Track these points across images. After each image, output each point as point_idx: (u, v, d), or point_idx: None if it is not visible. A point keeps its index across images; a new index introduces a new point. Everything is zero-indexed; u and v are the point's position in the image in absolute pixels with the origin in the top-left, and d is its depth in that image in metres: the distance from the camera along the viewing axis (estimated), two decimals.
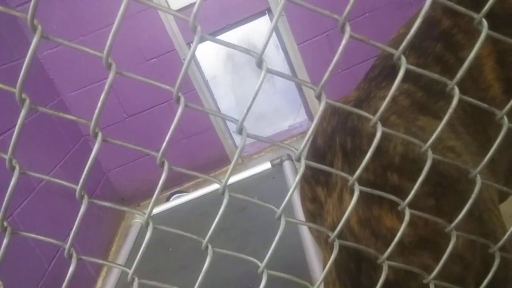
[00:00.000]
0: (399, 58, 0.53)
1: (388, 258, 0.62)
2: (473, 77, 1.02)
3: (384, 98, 0.93)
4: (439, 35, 1.05)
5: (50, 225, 2.44)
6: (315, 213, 0.93)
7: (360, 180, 0.77)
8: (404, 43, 0.51)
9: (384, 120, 0.87)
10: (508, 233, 0.68)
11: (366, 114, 0.53)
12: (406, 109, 0.92)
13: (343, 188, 0.84)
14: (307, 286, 0.62)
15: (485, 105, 0.56)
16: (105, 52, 0.43)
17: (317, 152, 0.93)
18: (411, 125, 0.88)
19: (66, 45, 0.49)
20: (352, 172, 0.79)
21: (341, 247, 0.79)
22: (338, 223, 0.78)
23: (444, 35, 1.05)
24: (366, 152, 0.82)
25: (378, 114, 0.53)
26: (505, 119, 0.56)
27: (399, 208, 0.63)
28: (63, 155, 2.88)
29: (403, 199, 0.63)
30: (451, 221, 0.64)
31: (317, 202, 0.91)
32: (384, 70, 1.03)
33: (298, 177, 0.50)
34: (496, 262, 0.69)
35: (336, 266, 0.82)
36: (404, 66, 0.52)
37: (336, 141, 0.88)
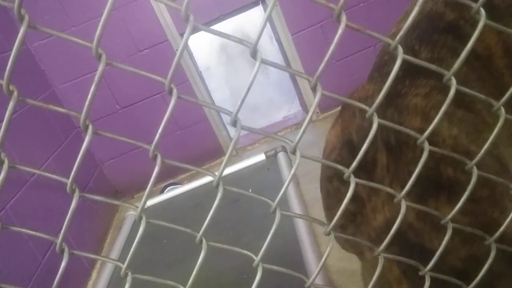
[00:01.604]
0: (395, 49, 0.52)
1: (452, 249, 0.63)
2: (488, 67, 1.02)
3: (418, 95, 0.93)
4: (447, 28, 1.05)
5: (44, 217, 2.42)
6: (356, 212, 0.91)
7: (410, 174, 0.77)
8: (401, 33, 0.50)
9: (425, 117, 0.87)
10: None
11: (363, 106, 0.52)
12: (441, 103, 0.93)
13: (393, 182, 0.84)
14: (302, 279, 0.62)
15: (482, 96, 0.55)
16: (94, 42, 0.42)
17: (356, 150, 0.92)
18: (452, 118, 0.89)
19: (55, 35, 0.48)
20: (399, 169, 0.81)
21: (402, 241, 0.79)
22: (394, 219, 0.78)
23: (452, 27, 1.04)
24: (412, 147, 0.83)
25: (374, 106, 0.53)
26: (502, 110, 0.55)
27: (395, 200, 0.63)
28: (55, 147, 2.85)
29: (461, 190, 0.65)
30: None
31: (358, 201, 0.89)
32: (403, 63, 1.03)
33: (293, 170, 0.50)
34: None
35: (398, 263, 0.80)
36: (400, 56, 0.51)
37: (377, 136, 0.87)
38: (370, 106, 0.93)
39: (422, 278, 0.76)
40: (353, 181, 0.55)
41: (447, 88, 0.99)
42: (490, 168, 0.84)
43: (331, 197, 0.99)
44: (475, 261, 0.77)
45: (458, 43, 1.02)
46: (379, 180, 0.85)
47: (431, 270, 0.69)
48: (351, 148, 0.93)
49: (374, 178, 0.86)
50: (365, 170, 0.87)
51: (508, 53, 1.04)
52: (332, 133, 1.02)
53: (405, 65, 1.05)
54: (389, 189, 0.62)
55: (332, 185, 0.97)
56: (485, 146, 0.58)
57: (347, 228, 0.95)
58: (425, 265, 0.69)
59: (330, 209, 1.03)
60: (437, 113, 0.88)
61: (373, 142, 0.87)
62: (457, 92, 0.98)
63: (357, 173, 0.90)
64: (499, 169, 0.89)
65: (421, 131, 0.85)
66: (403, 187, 0.80)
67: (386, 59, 1.09)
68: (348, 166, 0.91)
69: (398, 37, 0.50)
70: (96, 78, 0.42)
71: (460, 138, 0.84)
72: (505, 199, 0.85)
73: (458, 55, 1.02)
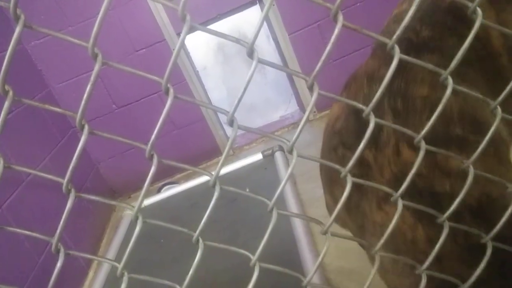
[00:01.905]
0: (392, 48, 0.52)
1: (468, 191, 0.64)
2: (486, 47, 1.06)
3: (424, 68, 1.00)
4: (448, 9, 1.09)
5: (40, 217, 2.41)
6: (361, 178, 0.93)
7: None
8: (398, 32, 0.50)
9: (433, 86, 0.91)
10: None
11: (360, 106, 0.52)
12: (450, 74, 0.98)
13: (399, 142, 0.87)
14: (299, 278, 0.62)
15: (480, 96, 0.55)
16: (90, 42, 0.41)
17: (361, 114, 0.95)
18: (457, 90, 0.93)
19: (51, 35, 0.48)
20: (406, 128, 0.83)
21: (412, 190, 0.81)
22: (400, 174, 0.83)
23: (453, 8, 1.08)
24: (420, 112, 0.88)
25: (371, 105, 0.53)
26: (499, 109, 0.55)
27: (392, 199, 0.63)
28: (52, 147, 2.84)
29: (470, 149, 0.68)
30: None
31: (364, 165, 0.92)
32: (403, 42, 1.05)
33: (290, 169, 0.49)
34: None
35: (411, 212, 0.83)
36: (397, 56, 0.51)
37: (383, 103, 0.91)
38: (378, 79, 0.96)
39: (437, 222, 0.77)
40: (349, 180, 0.55)
41: (449, 63, 1.01)
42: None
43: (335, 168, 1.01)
44: (489, 200, 0.81)
45: (457, 23, 1.05)
46: (384, 142, 0.88)
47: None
48: (358, 115, 0.95)
49: (379, 141, 0.89)
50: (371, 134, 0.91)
51: (505, 35, 1.07)
52: (336, 107, 1.04)
53: (407, 42, 1.07)
54: (386, 189, 0.62)
55: (337, 154, 0.99)
56: (485, 140, 0.58)
57: (351, 198, 0.97)
58: (438, 209, 0.70)
59: (333, 182, 1.04)
60: (444, 86, 0.92)
61: (379, 108, 0.90)
62: (461, 68, 1.01)
63: (362, 136, 0.92)
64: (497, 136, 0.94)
65: (429, 98, 0.89)
66: (409, 147, 0.84)
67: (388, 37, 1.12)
68: (354, 134, 0.93)
69: (395, 36, 0.51)
70: (92, 78, 0.42)
71: (466, 106, 0.89)
72: (508, 162, 0.90)
73: (458, 34, 1.05)
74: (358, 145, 0.93)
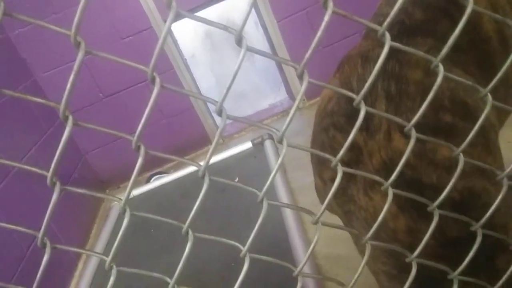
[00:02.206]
0: (383, 35, 0.51)
1: (449, 181, 0.64)
2: (476, 29, 1.06)
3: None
4: None
5: (28, 209, 2.38)
6: (351, 161, 0.94)
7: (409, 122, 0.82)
8: (388, 19, 0.49)
9: (427, 71, 0.90)
10: None
11: (350, 94, 0.52)
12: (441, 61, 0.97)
13: (390, 128, 0.87)
14: (290, 268, 0.61)
15: (469, 82, 0.55)
16: (73, 29, 0.40)
17: (350, 90, 0.95)
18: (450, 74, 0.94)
19: (32, 23, 0.46)
20: (398, 114, 0.85)
21: (399, 179, 0.82)
22: (390, 161, 0.84)
23: None
24: (413, 97, 0.87)
25: (362, 93, 0.52)
26: (489, 96, 0.55)
27: (382, 188, 0.62)
28: (38, 137, 2.80)
29: (458, 136, 0.69)
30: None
31: (354, 149, 0.92)
32: (396, 25, 1.04)
33: (280, 160, 0.49)
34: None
35: (395, 200, 0.83)
36: (388, 43, 0.50)
37: (377, 85, 0.91)
38: (372, 60, 0.96)
39: (419, 213, 0.79)
40: (340, 170, 0.54)
41: (440, 47, 1.01)
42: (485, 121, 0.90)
43: (325, 149, 1.01)
44: (472, 194, 0.82)
45: (450, 5, 1.04)
46: (376, 127, 0.88)
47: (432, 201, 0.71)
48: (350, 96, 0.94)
49: (370, 125, 0.89)
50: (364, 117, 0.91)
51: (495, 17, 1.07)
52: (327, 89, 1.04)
53: (399, 25, 1.07)
54: (377, 178, 0.62)
55: (328, 135, 0.99)
56: (475, 128, 0.58)
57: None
58: (423, 196, 0.70)
59: (322, 165, 1.05)
60: (435, 73, 0.92)
61: (372, 91, 0.90)
62: (453, 52, 1.00)
63: (353, 118, 0.92)
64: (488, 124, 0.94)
65: (422, 83, 0.89)
66: (400, 134, 0.84)
67: (381, 20, 1.11)
68: (345, 116, 0.93)
69: (385, 23, 0.50)
70: (75, 67, 0.40)
71: (457, 90, 0.89)
72: (496, 149, 0.90)
73: (450, 16, 1.04)
74: (349, 127, 0.93)
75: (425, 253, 0.70)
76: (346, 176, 0.95)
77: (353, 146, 0.92)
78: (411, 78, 0.89)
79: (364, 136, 0.90)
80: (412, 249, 0.70)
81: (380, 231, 0.87)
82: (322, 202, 1.10)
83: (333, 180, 1.00)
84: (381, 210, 0.84)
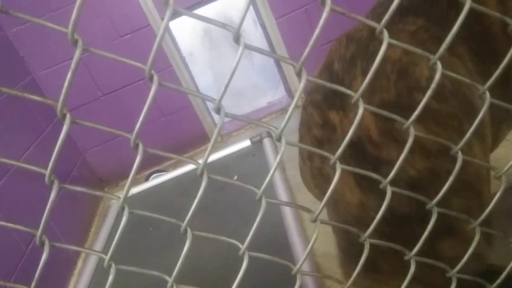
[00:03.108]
0: (381, 32, 0.51)
1: (411, 161, 0.63)
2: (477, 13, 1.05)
3: (404, 31, 0.97)
4: None
5: (27, 207, 2.38)
6: (323, 139, 0.95)
7: (382, 101, 0.85)
8: (386, 16, 0.49)
9: (406, 50, 0.91)
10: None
11: (349, 92, 0.52)
12: (426, 41, 0.97)
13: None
14: (289, 266, 0.61)
15: (467, 80, 0.55)
16: (70, 27, 0.40)
17: (334, 76, 0.97)
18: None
19: (29, 21, 0.46)
20: (372, 93, 0.87)
21: (360, 155, 0.83)
22: (357, 139, 0.84)
23: None
24: (388, 75, 0.88)
25: (360, 91, 0.52)
26: (487, 94, 0.55)
27: (380, 186, 0.62)
28: (36, 135, 2.79)
29: (430, 117, 0.70)
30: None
31: (329, 126, 0.93)
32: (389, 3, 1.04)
33: (278, 158, 0.49)
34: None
35: (353, 176, 0.84)
36: (386, 40, 0.50)
37: (357, 65, 0.92)
38: (356, 40, 0.97)
39: (374, 188, 0.77)
40: (339, 168, 0.54)
41: (433, 28, 1.01)
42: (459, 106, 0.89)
43: (303, 125, 1.04)
44: (432, 174, 0.81)
45: None
46: (351, 106, 0.89)
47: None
48: (331, 74, 0.97)
49: (346, 104, 0.90)
50: (340, 96, 0.92)
51: (502, 1, 1.06)
52: (319, 68, 1.06)
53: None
54: (375, 176, 0.62)
55: (307, 112, 1.01)
56: (469, 132, 0.58)
57: (313, 159, 0.98)
58: (381, 175, 0.69)
59: (301, 139, 1.07)
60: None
61: (351, 70, 0.93)
62: (440, 35, 1.00)
63: (331, 97, 0.94)
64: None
65: (399, 62, 0.90)
66: (371, 112, 0.84)
67: (381, 12, 1.12)
68: (322, 94, 0.96)
69: (383, 21, 0.50)
70: (72, 65, 0.40)
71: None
72: (473, 137, 0.88)
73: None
74: (324, 105, 0.94)
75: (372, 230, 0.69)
76: (322, 157, 0.96)
77: (328, 124, 0.93)
78: (389, 57, 0.90)
79: (340, 116, 0.92)
80: (359, 222, 0.69)
81: (339, 204, 0.89)
82: (303, 180, 1.12)
83: (310, 158, 1.01)
84: (350, 190, 0.85)
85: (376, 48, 0.91)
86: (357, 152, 0.85)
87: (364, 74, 0.90)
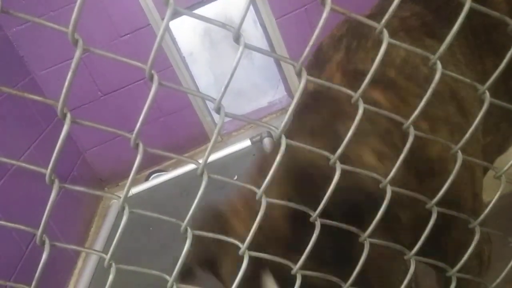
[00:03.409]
0: (381, 32, 0.51)
1: None
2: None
3: (394, 16, 1.01)
4: None
5: (27, 207, 2.38)
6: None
7: (356, 71, 0.89)
8: (386, 16, 0.49)
9: (392, 34, 0.91)
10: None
11: (349, 91, 0.52)
12: (415, 29, 1.00)
13: (344, 77, 0.92)
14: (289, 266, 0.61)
15: (467, 80, 0.55)
16: (70, 27, 0.40)
17: (320, 50, 1.04)
18: (417, 43, 0.95)
19: (30, 20, 0.46)
20: (349, 63, 0.92)
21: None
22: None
23: None
24: (368, 50, 0.92)
25: (359, 91, 0.52)
26: (487, 93, 0.55)
27: (381, 186, 0.62)
28: (36, 135, 2.79)
29: (396, 92, 0.77)
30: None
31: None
32: None
33: (278, 157, 0.49)
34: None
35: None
36: (386, 40, 0.50)
37: (343, 42, 0.98)
38: (348, 21, 0.98)
39: None
40: (338, 167, 0.54)
41: (428, 16, 1.02)
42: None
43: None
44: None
45: None
46: (330, 75, 0.94)
47: None
48: (318, 49, 1.04)
49: (323, 71, 0.95)
50: (317, 67, 0.99)
51: None
52: None
53: None
54: (374, 175, 0.62)
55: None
56: (468, 133, 0.58)
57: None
58: None
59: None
60: (406, 35, 0.95)
61: (335, 46, 0.98)
62: (433, 23, 1.01)
63: (311, 71, 0.97)
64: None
65: (379, 41, 0.90)
66: (350, 82, 0.88)
67: (384, 3, 1.12)
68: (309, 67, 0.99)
69: (383, 20, 0.50)
70: (73, 65, 0.40)
71: (414, 55, 0.91)
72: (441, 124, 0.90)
73: None
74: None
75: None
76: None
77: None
78: (372, 36, 0.93)
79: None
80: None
81: None
82: None
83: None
84: None
85: (364, 30, 0.95)
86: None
87: (346, 49, 0.95)
